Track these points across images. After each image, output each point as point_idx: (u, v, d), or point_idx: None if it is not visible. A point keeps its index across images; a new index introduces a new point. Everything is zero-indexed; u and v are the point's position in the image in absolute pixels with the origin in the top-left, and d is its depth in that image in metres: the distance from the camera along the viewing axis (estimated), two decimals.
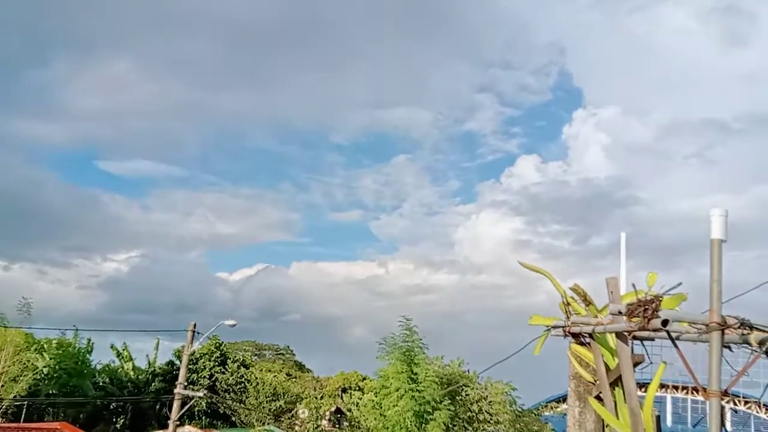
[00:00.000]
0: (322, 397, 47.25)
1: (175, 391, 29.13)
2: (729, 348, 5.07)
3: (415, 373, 26.33)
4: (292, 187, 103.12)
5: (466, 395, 31.07)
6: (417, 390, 25.96)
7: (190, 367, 40.10)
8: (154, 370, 44.56)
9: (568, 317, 6.94)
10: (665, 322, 4.49)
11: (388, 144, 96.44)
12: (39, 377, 36.86)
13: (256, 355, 65.87)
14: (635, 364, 6.00)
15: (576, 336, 6.91)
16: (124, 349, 44.66)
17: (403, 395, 25.72)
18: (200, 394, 31.99)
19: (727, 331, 4.49)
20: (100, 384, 41.96)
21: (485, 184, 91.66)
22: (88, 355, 41.74)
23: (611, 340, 6.43)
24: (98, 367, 43.46)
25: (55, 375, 38.38)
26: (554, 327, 7.13)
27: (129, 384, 43.03)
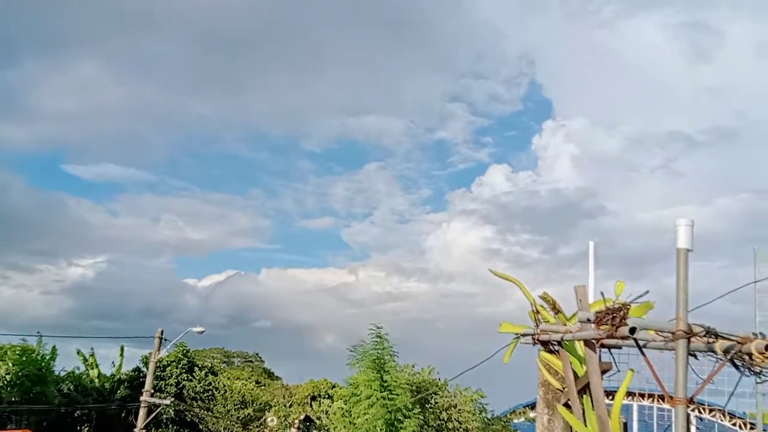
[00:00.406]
0: (291, 405, 46.90)
1: (141, 398, 28.70)
2: (695, 356, 5.13)
3: (386, 381, 26.27)
4: (263, 193, 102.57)
5: (436, 403, 31.10)
6: (388, 398, 25.91)
7: (157, 374, 39.51)
8: (120, 377, 43.80)
9: (537, 325, 6.98)
10: (633, 330, 4.54)
11: (360, 151, 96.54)
12: (1, 384, 36.01)
13: (224, 362, 65.16)
14: (603, 372, 6.05)
15: (545, 344, 6.95)
16: (90, 356, 43.87)
17: (374, 403, 25.64)
18: (167, 401, 31.54)
19: (693, 339, 4.56)
20: (65, 391, 41.13)
21: (456, 192, 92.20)
22: (51, 362, 40.91)
23: (579, 347, 6.47)
24: (62, 374, 42.60)
25: (17, 382, 37.52)
26: (523, 335, 7.17)
27: (94, 391, 42.23)
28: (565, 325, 6.74)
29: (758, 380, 5.57)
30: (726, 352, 4.54)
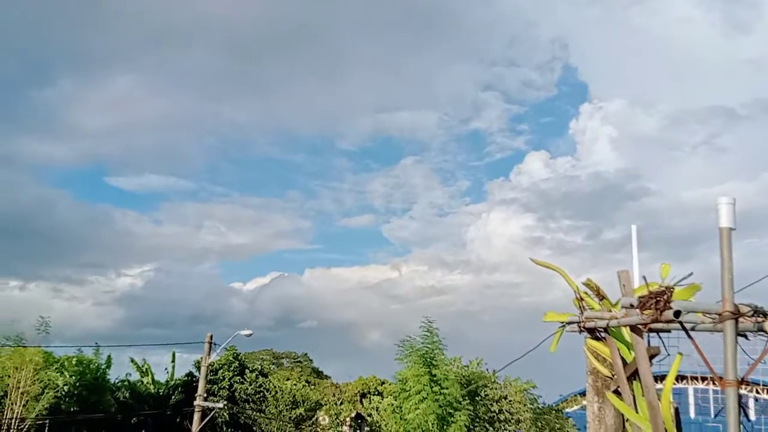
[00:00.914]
0: (341, 403, 47.25)
1: (195, 402, 29.25)
2: (745, 336, 5.02)
3: (435, 375, 26.26)
4: (301, 194, 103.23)
5: (486, 395, 30.97)
6: (438, 392, 25.88)
7: (210, 378, 40.21)
8: (174, 382, 44.73)
9: (582, 312, 6.91)
10: (677, 313, 4.47)
11: (395, 147, 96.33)
12: (60, 395, 37.11)
13: (273, 363, 65.97)
14: (651, 357, 5.96)
15: (591, 331, 6.87)
16: (143, 363, 44.92)
17: (424, 398, 25.65)
18: (220, 405, 32.10)
19: (741, 319, 4.46)
20: (121, 399, 42.19)
21: (495, 182, 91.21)
22: (107, 371, 42.01)
23: (626, 333, 6.39)
24: (118, 382, 43.70)
25: (75, 392, 38.65)
26: (569, 323, 7.09)
27: (149, 398, 43.22)
28: (610, 311, 6.65)
29: None
30: None
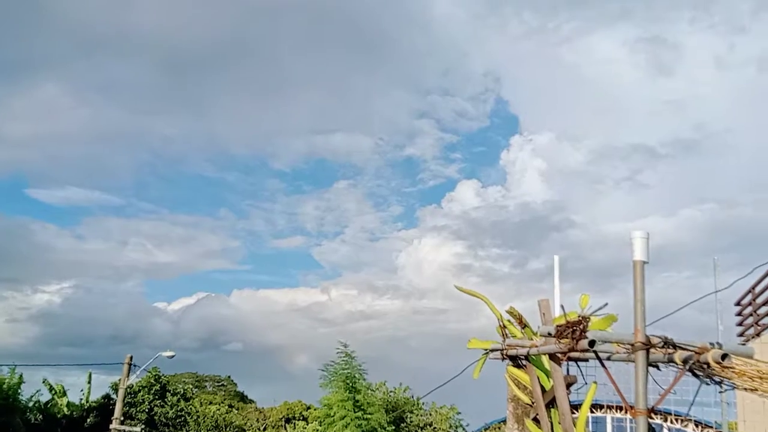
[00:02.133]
0: (265, 429, 46.28)
1: (111, 426, 28.12)
2: (657, 367, 5.20)
3: (359, 400, 26.11)
4: (232, 213, 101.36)
5: (411, 421, 30.98)
6: (362, 417, 25.73)
7: (128, 400, 38.74)
8: (89, 405, 42.84)
9: (504, 340, 7.02)
10: (592, 343, 4.59)
11: (329, 170, 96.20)
12: None
13: (196, 386, 64.14)
14: (568, 385, 6.09)
15: (513, 358, 6.98)
16: (57, 384, 42.89)
17: (348, 423, 25.44)
18: (137, 429, 30.93)
19: (653, 350, 4.62)
20: (32, 421, 40.09)
21: (427, 209, 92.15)
22: (18, 391, 39.88)
23: (546, 361, 6.52)
24: (29, 403, 41.52)
25: None
26: (492, 350, 7.19)
27: (63, 420, 41.24)
28: (531, 339, 6.78)
29: (720, 389, 5.66)
30: (685, 362, 4.61)
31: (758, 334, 16.61)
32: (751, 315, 17.78)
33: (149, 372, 41.66)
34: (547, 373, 6.55)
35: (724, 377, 4.71)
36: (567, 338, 4.93)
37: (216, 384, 67.59)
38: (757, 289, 17.00)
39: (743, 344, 17.39)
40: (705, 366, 4.54)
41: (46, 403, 42.26)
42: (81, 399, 43.43)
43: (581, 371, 6.34)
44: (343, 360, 26.64)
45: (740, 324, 18.86)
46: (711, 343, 4.53)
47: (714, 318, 14.70)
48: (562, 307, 5.32)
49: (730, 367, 4.50)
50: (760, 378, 4.42)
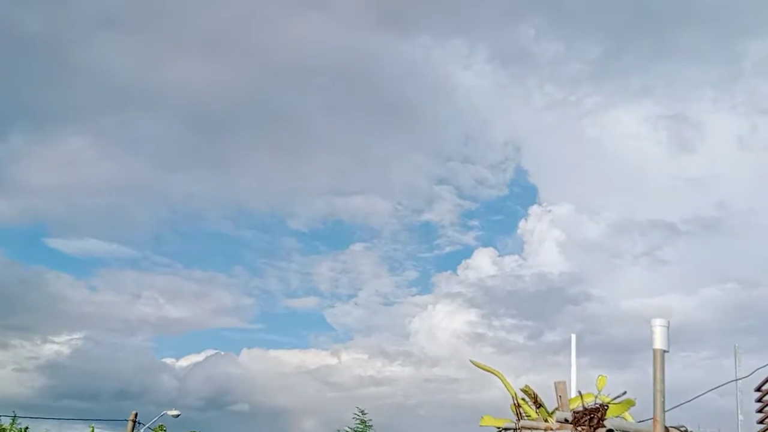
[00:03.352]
0: None
1: None
2: None
3: None
4: (247, 271, 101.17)
5: None
6: None
7: None
8: None
9: (519, 419, 6.88)
10: None
11: (346, 232, 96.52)
12: None
13: None
14: None
15: None
16: None
17: None
18: None
19: None
20: None
21: (442, 275, 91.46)
22: None
23: None
24: None
25: None
26: (505, 429, 7.05)
27: None
28: (546, 420, 6.64)
29: None
30: None
31: None
32: None
33: (154, 430, 41.04)
34: None
35: None
36: (584, 426, 4.84)
37: None
38: None
39: None
40: None
41: None
42: None
43: None
44: (357, 426, 26.11)
45: (760, 411, 18.35)
46: None
47: (733, 401, 14.33)
48: (579, 392, 5.24)
49: None
50: None
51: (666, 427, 4.31)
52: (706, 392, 5.76)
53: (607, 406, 4.86)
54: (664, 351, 4.38)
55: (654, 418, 4.32)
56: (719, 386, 6.05)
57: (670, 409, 5.17)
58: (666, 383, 4.48)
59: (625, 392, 5.05)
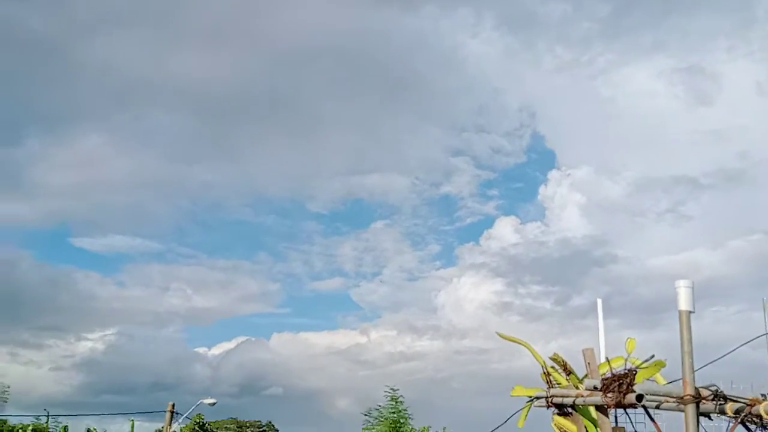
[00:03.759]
0: None
1: None
2: (709, 417, 5.07)
3: None
4: (270, 257, 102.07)
5: None
6: None
7: None
8: None
9: (549, 388, 6.90)
10: (639, 397, 4.51)
11: (366, 210, 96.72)
12: None
13: None
14: None
15: (558, 407, 6.85)
16: None
17: None
18: None
19: (703, 401, 4.51)
20: None
21: (465, 246, 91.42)
22: None
23: (593, 411, 6.38)
24: None
25: None
26: (536, 398, 7.07)
27: None
28: (577, 387, 6.65)
29: None
30: (737, 412, 4.49)
31: None
32: None
33: (192, 419, 41.77)
34: (595, 423, 6.40)
35: None
36: (613, 392, 4.84)
37: (257, 430, 67.32)
38: None
39: None
40: (757, 418, 4.41)
41: None
42: None
43: (630, 420, 6.19)
44: (389, 404, 26.36)
45: None
46: (762, 395, 4.40)
47: (766, 354, 14.23)
48: (607, 358, 5.23)
49: None
50: None
51: (696, 388, 4.30)
52: (736, 348, 5.73)
53: (636, 370, 4.86)
54: (690, 312, 4.36)
55: (684, 380, 4.31)
56: (749, 341, 6.01)
57: (701, 368, 5.15)
58: (696, 341, 4.47)
59: (653, 356, 5.04)
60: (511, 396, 7.41)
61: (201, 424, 44.40)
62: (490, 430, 8.39)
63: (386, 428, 25.90)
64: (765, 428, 4.57)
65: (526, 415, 7.24)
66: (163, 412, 29.44)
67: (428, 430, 31.89)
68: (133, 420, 43.36)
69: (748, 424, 4.59)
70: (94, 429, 43.01)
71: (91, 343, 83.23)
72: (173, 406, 29.28)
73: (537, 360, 7.23)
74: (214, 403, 30.23)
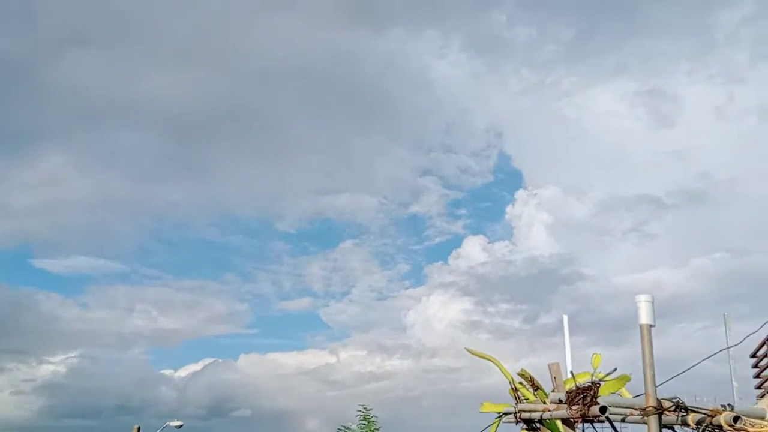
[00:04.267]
0: None
1: None
2: (672, 429, 5.16)
3: None
4: (238, 277, 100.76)
5: None
6: None
7: None
8: None
9: (517, 403, 6.97)
10: (603, 409, 4.59)
11: (335, 230, 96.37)
12: None
13: None
14: None
15: (527, 422, 6.92)
16: None
17: None
18: None
19: (666, 413, 4.61)
20: None
21: (434, 266, 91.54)
22: None
23: (560, 425, 6.46)
24: None
25: None
26: (505, 413, 7.13)
27: None
28: (544, 402, 6.73)
29: None
30: (698, 424, 4.60)
31: None
32: (767, 368, 17.50)
33: None
34: None
35: None
36: (578, 404, 4.92)
37: None
38: None
39: (762, 397, 17.06)
40: (718, 428, 4.52)
41: None
42: None
43: None
44: (360, 423, 26.13)
45: (757, 376, 18.55)
46: (723, 405, 4.52)
47: (729, 368, 14.50)
48: (571, 372, 5.32)
49: (744, 429, 4.49)
50: None
51: (658, 400, 4.40)
52: (699, 363, 5.86)
53: (600, 383, 4.95)
54: (651, 326, 4.47)
55: (646, 392, 4.40)
56: (711, 356, 6.16)
57: (665, 382, 5.27)
58: (662, 356, 4.58)
59: (615, 369, 5.14)
60: (481, 412, 7.46)
61: None
62: None
63: None
64: None
65: (495, 431, 7.30)
66: None
67: None
68: None
69: None
70: None
71: (54, 366, 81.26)
72: (138, 429, 28.71)
73: (505, 376, 7.31)
74: (180, 426, 29.71)
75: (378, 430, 26.39)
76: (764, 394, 17.51)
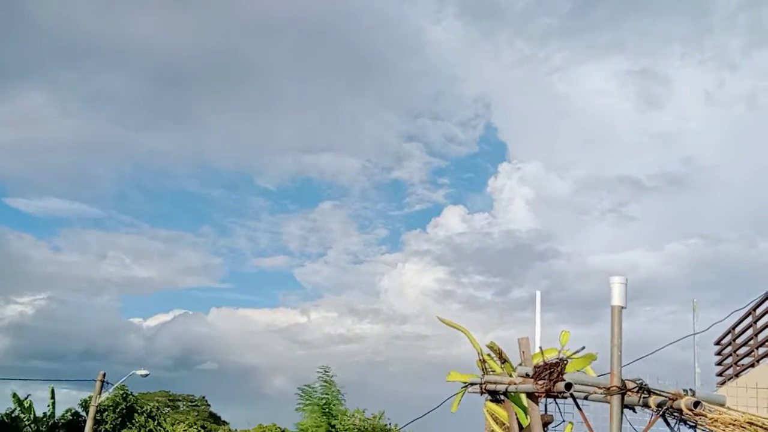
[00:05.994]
0: None
1: None
2: (633, 409, 5.26)
3: (334, 426, 25.90)
4: (215, 230, 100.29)
5: None
6: None
7: (96, 418, 38.07)
8: (56, 421, 41.97)
9: (484, 374, 7.05)
10: (568, 386, 4.66)
11: (315, 190, 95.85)
12: None
13: (168, 406, 63.15)
14: (545, 424, 6.13)
15: (492, 393, 7.01)
16: (25, 399, 42.04)
17: None
18: None
19: (628, 393, 4.69)
20: None
21: (412, 233, 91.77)
22: None
23: (525, 398, 6.56)
24: None
25: None
26: (471, 384, 7.22)
27: None
28: (510, 375, 6.81)
29: None
30: (659, 406, 4.69)
31: (737, 375, 16.74)
32: (730, 356, 17.94)
33: (117, 389, 41.03)
34: (525, 410, 6.58)
35: (698, 423, 4.78)
36: (544, 380, 4.99)
37: (189, 404, 66.65)
38: (737, 330, 17.18)
39: (722, 384, 17.52)
40: (678, 412, 4.62)
41: (14, 417, 41.40)
42: (46, 415, 42.54)
43: (559, 409, 6.39)
44: (321, 384, 26.43)
45: (719, 363, 19.03)
46: (684, 390, 4.61)
47: (693, 354, 14.80)
48: (540, 348, 5.38)
49: (703, 415, 4.59)
50: (732, 425, 4.51)
51: (623, 380, 4.47)
52: (664, 347, 5.97)
53: (567, 360, 5.02)
54: (622, 307, 4.52)
55: (611, 372, 4.47)
56: (677, 340, 6.27)
57: (630, 363, 5.35)
58: (629, 338, 4.65)
59: (583, 347, 5.22)
60: (447, 381, 7.54)
61: (124, 395, 43.64)
62: (424, 413, 8.53)
63: (317, 409, 26.00)
64: (684, 422, 4.78)
65: (460, 401, 7.39)
66: (92, 381, 28.90)
67: (363, 412, 32.19)
68: (53, 387, 42.18)
69: (668, 417, 4.79)
70: (17, 395, 41.85)
71: (21, 306, 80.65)
72: (104, 375, 28.77)
73: (474, 347, 7.38)
74: (146, 375, 29.81)
75: (339, 391, 26.73)
76: (725, 382, 18.01)
